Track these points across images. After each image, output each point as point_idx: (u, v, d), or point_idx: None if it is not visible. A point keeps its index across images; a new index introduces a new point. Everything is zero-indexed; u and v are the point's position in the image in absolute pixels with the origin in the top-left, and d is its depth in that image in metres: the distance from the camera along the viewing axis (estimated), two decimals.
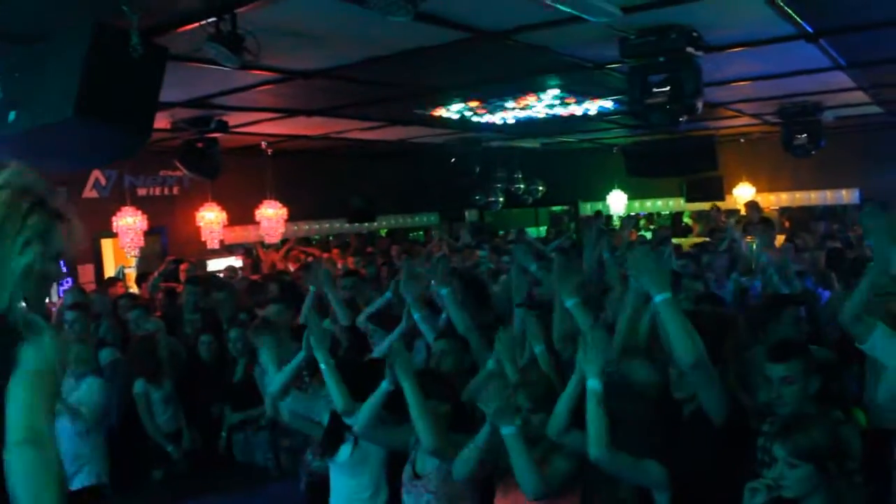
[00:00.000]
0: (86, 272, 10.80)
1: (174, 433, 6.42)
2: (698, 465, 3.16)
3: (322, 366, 4.04)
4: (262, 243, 12.57)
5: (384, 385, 3.71)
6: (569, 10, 4.70)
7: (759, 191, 14.23)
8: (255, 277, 10.06)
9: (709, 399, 3.24)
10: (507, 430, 3.23)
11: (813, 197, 14.26)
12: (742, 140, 14.12)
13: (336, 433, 4.06)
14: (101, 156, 6.19)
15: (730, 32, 5.86)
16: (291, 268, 11.24)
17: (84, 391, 5.48)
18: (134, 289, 10.36)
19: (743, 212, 13.76)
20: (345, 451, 4.04)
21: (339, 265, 10.31)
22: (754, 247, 7.72)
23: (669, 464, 3.14)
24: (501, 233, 15.83)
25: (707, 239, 10.51)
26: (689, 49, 5.62)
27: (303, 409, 4.45)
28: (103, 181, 11.00)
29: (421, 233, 16.87)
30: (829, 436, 2.65)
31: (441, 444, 3.50)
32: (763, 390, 3.38)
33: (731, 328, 4.50)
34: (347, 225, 14.72)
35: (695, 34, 5.59)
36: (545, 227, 17.86)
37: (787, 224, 13.47)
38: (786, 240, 9.80)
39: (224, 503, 6.09)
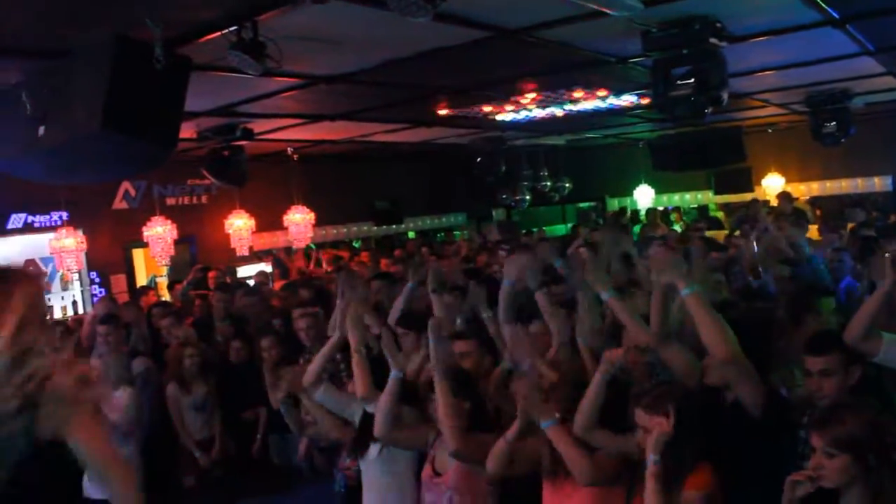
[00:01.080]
0: (118, 282, 10.96)
1: (206, 440, 6.44)
2: (739, 452, 3.14)
3: (352, 350, 4.09)
4: (286, 249, 12.66)
5: (394, 374, 3.75)
6: (591, 5, 4.67)
7: (788, 181, 14.08)
8: (283, 283, 10.11)
9: (744, 393, 3.21)
10: (546, 424, 3.24)
11: (844, 185, 14.06)
12: (770, 130, 13.97)
13: (367, 432, 4.07)
14: (129, 167, 6.27)
15: (754, 21, 5.78)
16: (327, 268, 11.30)
17: (122, 399, 5.56)
18: (166, 296, 10.46)
19: (774, 202, 13.62)
20: (374, 449, 4.05)
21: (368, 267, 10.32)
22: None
23: (711, 450, 3.10)
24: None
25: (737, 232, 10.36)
26: (713, 40, 5.56)
27: (335, 406, 4.46)
28: (133, 192, 11.15)
29: (443, 234, 16.84)
30: (867, 426, 2.60)
31: (463, 445, 3.51)
32: (803, 383, 3.35)
33: (778, 326, 4.46)
34: (374, 227, 14.77)
35: (718, 25, 5.52)
36: (573, 224, 17.78)
37: (818, 213, 13.27)
38: (821, 230, 9.65)
39: None
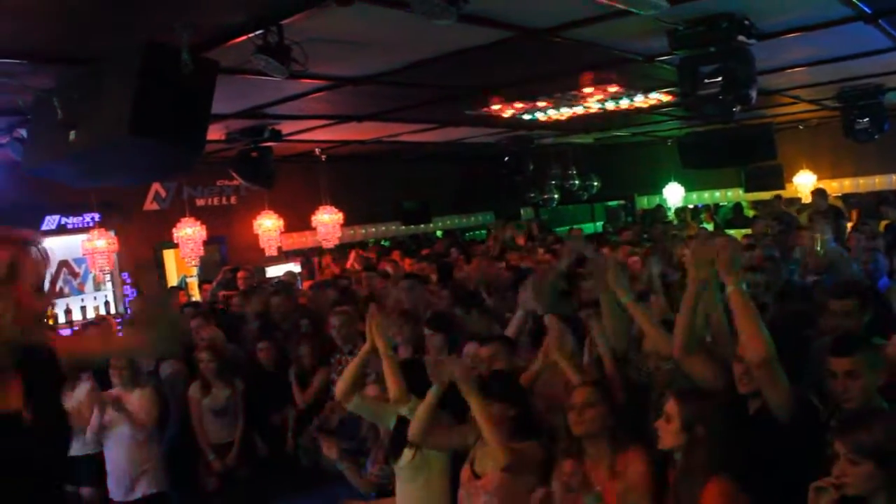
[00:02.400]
0: (149, 283, 11.06)
1: (226, 444, 6.40)
2: (765, 462, 3.09)
3: (381, 354, 4.13)
4: (318, 250, 12.74)
5: (435, 388, 3.75)
6: (617, 4, 4.64)
7: (820, 178, 13.88)
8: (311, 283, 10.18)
9: (773, 397, 3.16)
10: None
11: (878, 182, 13.82)
12: (801, 126, 13.78)
13: (400, 438, 4.08)
14: (158, 171, 6.35)
15: (783, 18, 5.70)
16: (356, 266, 11.35)
17: (138, 400, 5.64)
18: (196, 296, 10.58)
19: (807, 200, 13.45)
20: (408, 454, 4.05)
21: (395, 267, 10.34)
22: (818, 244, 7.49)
23: (735, 460, 3.07)
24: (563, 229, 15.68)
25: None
26: (741, 37, 5.49)
27: (369, 414, 4.48)
28: (163, 193, 11.29)
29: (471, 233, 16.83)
30: (893, 432, 2.55)
31: (506, 452, 3.51)
32: (829, 385, 3.29)
33: (811, 326, 4.41)
34: (402, 227, 14.80)
35: (746, 22, 5.46)
36: (601, 223, 17.70)
37: (854, 214, 13.06)
38: (852, 229, 9.52)
39: None
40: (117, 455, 5.74)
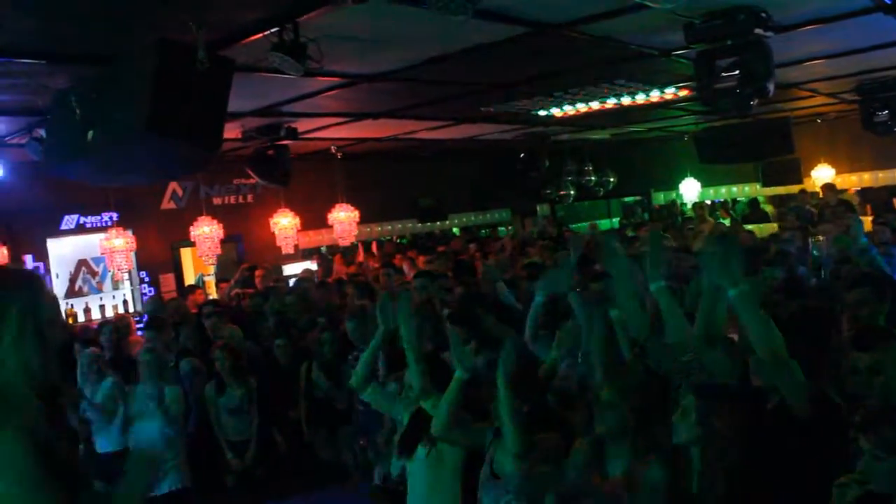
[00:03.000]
0: (167, 281, 11.15)
1: (243, 442, 6.40)
2: (784, 457, 3.06)
3: (405, 344, 4.08)
4: (332, 248, 12.78)
5: (459, 375, 3.70)
6: None
7: (838, 172, 13.79)
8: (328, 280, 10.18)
9: (788, 394, 3.13)
10: None
11: None
12: (819, 120, 13.69)
13: (414, 433, 4.07)
14: (175, 170, 6.37)
15: (801, 10, 5.66)
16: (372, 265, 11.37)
17: (166, 398, 5.67)
18: (214, 294, 10.62)
19: (821, 194, 13.36)
20: (421, 451, 4.05)
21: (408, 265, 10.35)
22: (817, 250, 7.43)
23: (754, 455, 3.04)
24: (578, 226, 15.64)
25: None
26: (758, 30, 5.44)
27: (381, 405, 4.49)
28: (180, 192, 11.34)
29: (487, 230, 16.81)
30: None
31: (526, 447, 3.48)
32: (851, 380, 3.26)
33: (831, 322, 4.35)
34: (419, 224, 14.81)
35: (763, 15, 5.41)
36: (618, 219, 17.64)
37: (868, 208, 12.95)
38: (874, 222, 9.43)
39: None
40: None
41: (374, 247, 12.86)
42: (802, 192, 13.50)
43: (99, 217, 10.35)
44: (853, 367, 3.18)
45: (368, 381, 4.36)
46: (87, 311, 9.96)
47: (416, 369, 4.05)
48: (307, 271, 10.85)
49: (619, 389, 3.30)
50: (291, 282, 10.12)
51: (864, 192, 13.80)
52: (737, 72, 5.63)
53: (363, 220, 12.50)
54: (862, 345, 3.18)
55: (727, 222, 13.98)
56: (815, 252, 7.57)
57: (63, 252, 10.20)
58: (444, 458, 4.01)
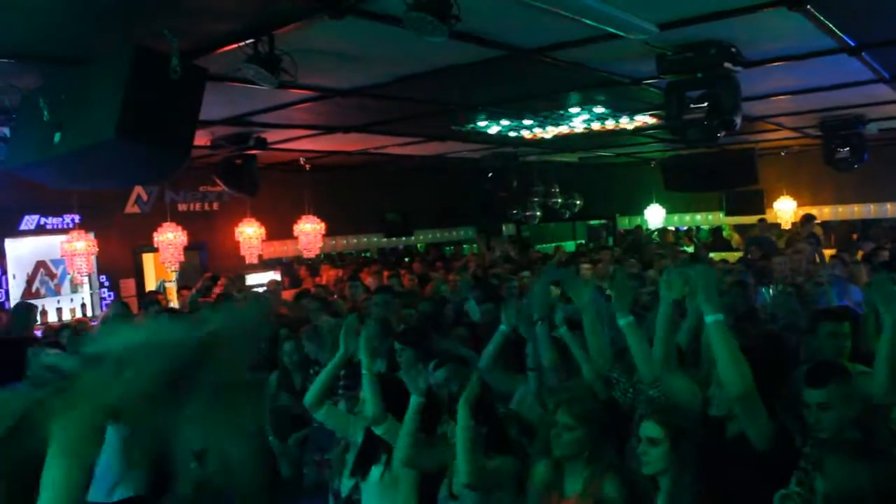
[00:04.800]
0: (127, 286, 11.00)
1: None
2: (741, 485, 3.10)
3: (364, 371, 4.06)
4: (297, 259, 12.71)
5: (416, 399, 3.69)
6: (606, 28, 4.69)
7: (800, 204, 14.05)
8: (293, 292, 10.13)
9: (753, 428, 3.17)
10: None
11: (857, 211, 14.03)
12: (783, 153, 13.96)
13: (369, 454, 4.06)
14: (143, 175, 6.30)
15: (769, 47, 5.78)
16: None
17: None
18: (175, 302, 10.51)
19: (786, 226, 13.61)
20: (375, 472, 4.04)
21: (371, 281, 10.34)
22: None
23: (712, 482, 3.08)
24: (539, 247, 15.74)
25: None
26: (727, 64, 5.56)
27: (335, 426, 4.45)
28: (145, 197, 11.21)
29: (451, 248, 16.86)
30: (869, 468, 2.56)
31: (478, 479, 3.49)
32: (803, 413, 3.30)
33: (789, 351, 4.43)
34: (384, 239, 14.81)
35: (733, 49, 5.53)
36: (582, 242, 17.78)
37: (832, 239, 13.24)
38: (832, 256, 9.62)
39: None
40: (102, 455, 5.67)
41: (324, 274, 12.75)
42: (761, 221, 13.75)
43: (60, 219, 10.18)
44: (805, 401, 3.21)
45: (322, 401, 4.33)
46: (43, 313, 9.78)
47: (370, 398, 4.02)
48: (273, 282, 10.77)
49: (577, 414, 3.34)
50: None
51: (825, 226, 14.07)
52: (705, 104, 5.73)
53: (329, 233, 12.46)
54: (813, 382, 3.19)
55: (691, 249, 14.17)
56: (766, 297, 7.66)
57: (21, 253, 10.01)
58: (400, 479, 4.00)
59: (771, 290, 7.55)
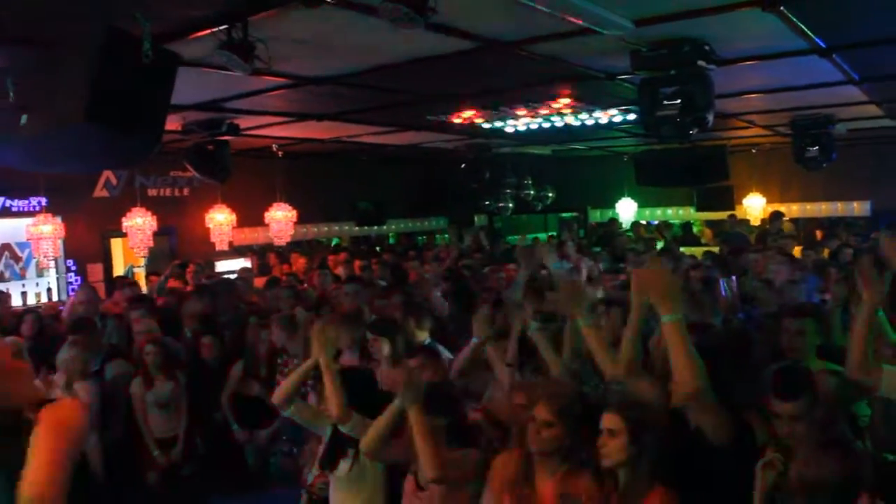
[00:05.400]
0: (95, 271, 10.88)
1: (170, 438, 6.25)
2: (703, 476, 3.14)
3: (324, 368, 4.04)
4: (268, 246, 12.64)
5: (398, 404, 3.64)
6: (582, 23, 4.70)
7: (769, 201, 14.20)
8: (262, 279, 10.06)
9: (706, 425, 3.20)
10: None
11: (824, 208, 14.21)
12: (754, 150, 14.08)
13: (337, 448, 4.05)
14: (112, 160, 6.23)
15: (742, 46, 5.84)
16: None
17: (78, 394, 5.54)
18: (143, 287, 10.39)
19: (756, 222, 13.75)
20: (344, 465, 4.03)
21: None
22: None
23: (677, 476, 3.10)
24: (515, 238, 15.71)
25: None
26: (701, 62, 5.61)
27: (304, 422, 4.44)
28: (114, 181, 11.07)
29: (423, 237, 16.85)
30: (840, 468, 2.62)
31: (442, 473, 3.50)
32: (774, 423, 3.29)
33: (748, 345, 4.47)
34: (356, 228, 14.76)
35: (707, 48, 5.58)
36: (553, 234, 17.84)
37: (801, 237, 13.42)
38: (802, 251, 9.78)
39: None
40: None
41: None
42: (731, 216, 13.88)
43: (27, 201, 10.01)
44: (775, 411, 3.19)
45: (291, 400, 4.29)
46: (7, 297, 9.63)
47: (333, 397, 3.97)
48: (244, 270, 10.69)
49: (556, 410, 3.36)
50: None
51: (794, 222, 14.24)
52: (678, 101, 5.77)
53: (300, 221, 12.39)
54: (784, 395, 3.18)
55: (660, 244, 14.28)
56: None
57: None
58: (367, 472, 4.00)
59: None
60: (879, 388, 3.40)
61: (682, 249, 11.89)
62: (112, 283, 10.38)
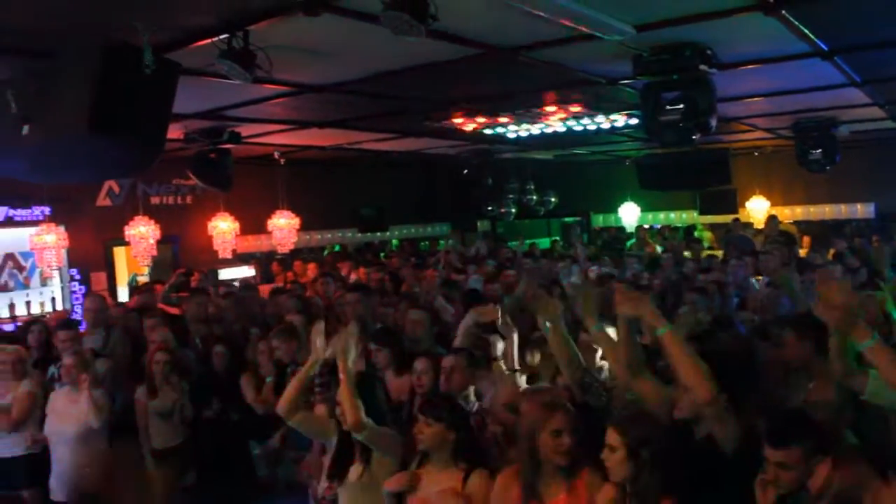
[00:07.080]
0: (98, 280, 10.87)
1: (169, 449, 6.13)
2: (709, 487, 3.11)
3: (342, 374, 3.99)
4: (273, 254, 12.63)
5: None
6: (584, 28, 4.69)
7: (773, 204, 14.17)
8: (265, 288, 10.04)
9: (721, 433, 3.19)
10: None
11: (828, 211, 14.17)
12: (756, 153, 14.06)
13: (345, 456, 4.03)
14: (114, 170, 6.23)
15: (744, 50, 5.82)
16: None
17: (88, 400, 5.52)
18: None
19: (759, 225, 13.72)
20: (354, 473, 4.00)
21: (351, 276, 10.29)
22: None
23: (682, 484, 3.08)
24: (514, 244, 15.70)
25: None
26: (703, 67, 5.59)
27: (310, 432, 4.41)
28: (117, 189, 11.07)
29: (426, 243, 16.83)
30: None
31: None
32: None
33: (752, 355, 4.45)
34: (359, 234, 14.76)
35: (708, 52, 5.56)
36: (557, 238, 17.83)
37: (805, 240, 13.37)
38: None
39: None
40: (63, 454, 5.59)
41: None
42: (736, 220, 13.85)
43: (30, 211, 10.01)
44: (764, 455, 3.01)
45: (296, 409, 4.25)
46: (11, 307, 9.64)
47: (349, 406, 3.91)
48: (247, 280, 10.65)
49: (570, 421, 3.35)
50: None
51: (798, 225, 14.20)
52: (681, 105, 5.76)
53: (303, 228, 12.39)
54: (774, 440, 2.99)
55: (661, 248, 14.26)
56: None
57: None
58: (378, 480, 3.97)
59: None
60: (865, 393, 3.40)
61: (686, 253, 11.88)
62: (114, 291, 10.37)
